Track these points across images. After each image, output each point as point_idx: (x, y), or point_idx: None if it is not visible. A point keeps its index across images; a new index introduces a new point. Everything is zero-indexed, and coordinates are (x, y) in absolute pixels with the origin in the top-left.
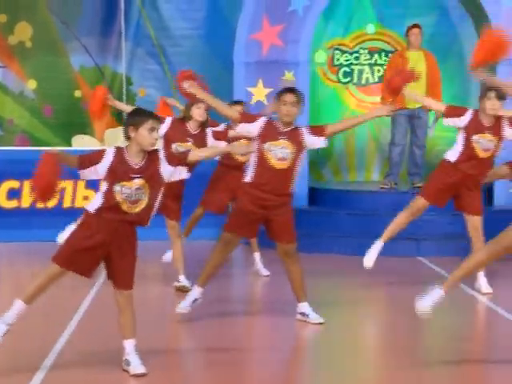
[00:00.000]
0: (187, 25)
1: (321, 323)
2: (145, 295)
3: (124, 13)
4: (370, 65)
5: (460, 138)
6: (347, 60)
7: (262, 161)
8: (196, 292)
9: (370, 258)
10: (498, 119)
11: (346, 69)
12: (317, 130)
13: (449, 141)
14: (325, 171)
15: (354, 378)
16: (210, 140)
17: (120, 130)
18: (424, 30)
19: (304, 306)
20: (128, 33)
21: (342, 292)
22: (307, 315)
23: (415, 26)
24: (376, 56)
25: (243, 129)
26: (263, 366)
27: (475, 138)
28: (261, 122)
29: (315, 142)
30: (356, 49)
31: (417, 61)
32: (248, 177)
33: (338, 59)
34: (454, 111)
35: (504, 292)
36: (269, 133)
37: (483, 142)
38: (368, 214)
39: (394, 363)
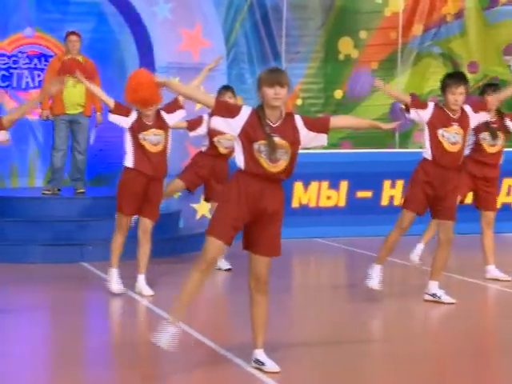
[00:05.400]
0: None
1: None
2: None
3: None
4: (30, 69)
5: None
6: (5, 64)
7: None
8: None
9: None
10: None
11: (5, 73)
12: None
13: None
14: None
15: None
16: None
17: None
18: (83, 35)
19: None
20: None
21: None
22: None
23: (73, 33)
24: (36, 60)
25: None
26: None
27: None
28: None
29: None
30: (14, 52)
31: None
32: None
33: None
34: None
35: (163, 293)
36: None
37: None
38: (31, 220)
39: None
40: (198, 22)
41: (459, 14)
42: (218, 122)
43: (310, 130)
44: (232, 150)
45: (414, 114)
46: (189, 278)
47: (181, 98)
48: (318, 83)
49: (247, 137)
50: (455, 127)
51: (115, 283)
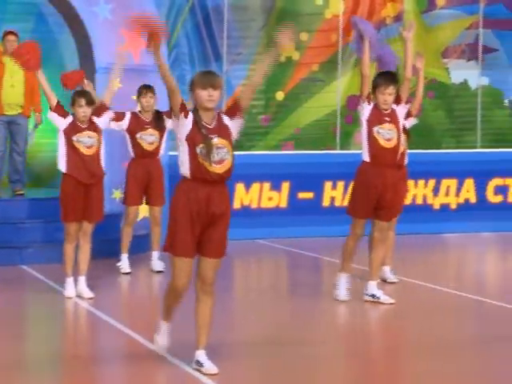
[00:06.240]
0: None
1: None
2: None
3: None
4: None
5: None
6: None
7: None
8: None
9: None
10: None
11: None
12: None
13: (52, 147)
14: None
15: None
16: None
17: None
18: (21, 35)
19: None
20: None
21: None
22: None
23: (11, 32)
24: None
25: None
26: None
27: None
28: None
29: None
30: None
31: (14, 67)
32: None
33: None
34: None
35: (103, 294)
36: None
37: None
38: None
39: None
40: None
41: (398, 17)
42: (175, 120)
43: (231, 118)
44: (158, 147)
45: (364, 105)
46: (164, 302)
47: (107, 101)
48: (259, 85)
49: (192, 139)
50: (387, 124)
51: (68, 290)
